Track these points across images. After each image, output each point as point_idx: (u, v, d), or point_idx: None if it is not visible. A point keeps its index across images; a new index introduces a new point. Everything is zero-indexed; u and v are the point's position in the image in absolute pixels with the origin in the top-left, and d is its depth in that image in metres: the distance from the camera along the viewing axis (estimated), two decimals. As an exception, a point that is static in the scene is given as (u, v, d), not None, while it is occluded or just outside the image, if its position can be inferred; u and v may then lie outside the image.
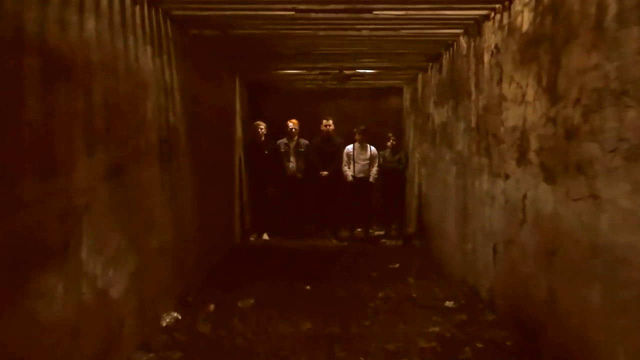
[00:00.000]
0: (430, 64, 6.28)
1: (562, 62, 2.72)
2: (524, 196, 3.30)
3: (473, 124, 4.45)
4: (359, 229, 7.58)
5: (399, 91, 8.92)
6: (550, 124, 2.88)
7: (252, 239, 7.24)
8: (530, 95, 3.17)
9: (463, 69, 4.75)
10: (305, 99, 8.69)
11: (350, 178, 7.20)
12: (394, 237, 7.26)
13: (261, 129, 7.22)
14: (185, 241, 4.43)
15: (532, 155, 3.17)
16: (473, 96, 4.44)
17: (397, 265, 5.68)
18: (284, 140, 7.36)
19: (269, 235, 7.29)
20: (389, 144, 7.29)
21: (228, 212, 6.52)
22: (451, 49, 5.20)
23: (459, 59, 4.90)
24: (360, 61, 6.27)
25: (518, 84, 3.37)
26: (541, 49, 2.97)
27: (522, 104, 3.31)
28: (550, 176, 2.93)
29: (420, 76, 7.13)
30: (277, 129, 7.50)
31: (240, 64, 6.56)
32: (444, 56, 5.52)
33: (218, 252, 5.74)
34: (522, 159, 3.34)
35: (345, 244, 7.02)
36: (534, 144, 3.14)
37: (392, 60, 6.17)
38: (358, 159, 7.22)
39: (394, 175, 7.23)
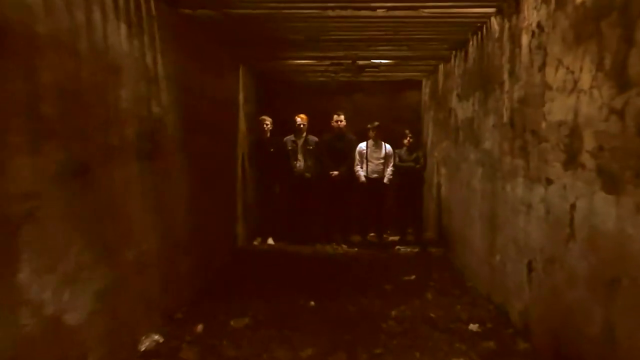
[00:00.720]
0: (454, 52, 5.66)
1: (636, 37, 2.10)
2: (573, 207, 2.69)
3: (505, 118, 3.83)
4: (371, 234, 7.00)
5: (417, 84, 8.29)
6: (615, 117, 2.27)
7: (256, 243, 6.70)
8: (585, 81, 2.56)
9: (494, 55, 4.13)
10: (316, 92, 8.11)
11: (362, 179, 6.60)
12: (410, 243, 6.66)
13: (267, 124, 6.67)
14: (175, 250, 3.90)
15: (585, 157, 2.56)
16: (506, 86, 3.82)
17: (413, 276, 5.09)
18: (292, 137, 6.79)
19: (274, 239, 6.75)
20: (405, 141, 6.66)
21: (229, 214, 5.99)
22: (480, 32, 4.58)
23: (490, 44, 4.28)
24: (375, 49, 5.67)
25: (568, 68, 2.75)
26: (605, 23, 2.36)
27: (573, 93, 2.70)
28: (612, 184, 2.32)
29: (441, 67, 6.50)
30: (285, 125, 6.95)
31: (243, 52, 6.01)
32: (471, 42, 4.90)
33: (216, 260, 5.22)
34: (571, 161, 2.73)
35: (356, 250, 6.44)
36: (589, 143, 2.52)
37: (411, 48, 5.56)
38: (371, 157, 6.61)
39: (410, 175, 6.60)
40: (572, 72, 2.70)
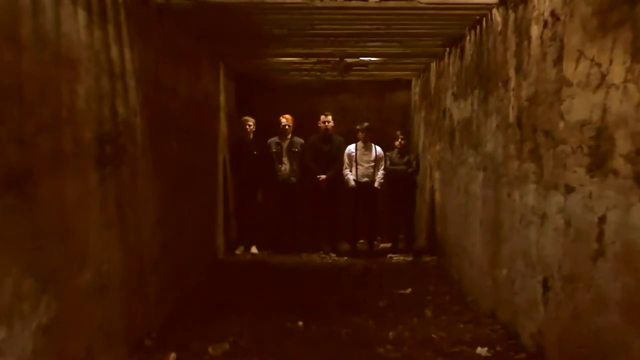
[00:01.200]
0: (448, 49, 5.32)
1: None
2: (602, 219, 2.34)
3: (511, 118, 3.48)
4: (361, 241, 6.63)
5: (406, 84, 7.95)
6: (660, 115, 1.92)
7: (238, 252, 6.27)
8: (617, 75, 2.21)
9: (496, 51, 3.79)
10: (301, 92, 7.71)
11: (352, 183, 6.22)
12: (402, 251, 6.30)
13: (249, 125, 6.25)
14: (142, 268, 3.46)
15: (619, 162, 2.20)
16: (512, 83, 3.47)
17: (408, 290, 4.71)
18: (276, 139, 6.38)
19: (258, 248, 6.32)
20: (397, 143, 6.29)
21: (209, 223, 5.55)
22: (478, 26, 4.23)
23: (490, 38, 3.93)
24: (364, 45, 5.29)
25: (593, 60, 2.40)
26: (644, 4, 2.01)
27: (599, 88, 2.34)
28: (655, 194, 1.96)
29: (433, 65, 6.16)
30: (269, 126, 6.53)
31: (223, 49, 5.59)
32: (468, 37, 4.55)
33: (192, 276, 4.77)
34: (598, 167, 2.37)
35: (346, 259, 6.06)
36: (623, 146, 2.17)
37: (403, 44, 5.20)
38: (361, 160, 6.24)
39: (402, 179, 6.23)
40: (599, 65, 2.35)
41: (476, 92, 4.33)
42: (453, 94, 5.14)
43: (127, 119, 3.23)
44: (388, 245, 6.70)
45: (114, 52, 3.06)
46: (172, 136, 4.13)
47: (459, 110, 4.94)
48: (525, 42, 3.23)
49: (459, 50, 4.91)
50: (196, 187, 4.95)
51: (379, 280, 5.16)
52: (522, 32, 3.28)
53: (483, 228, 4.18)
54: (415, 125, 7.48)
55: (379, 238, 6.80)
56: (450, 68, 5.26)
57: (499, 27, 3.72)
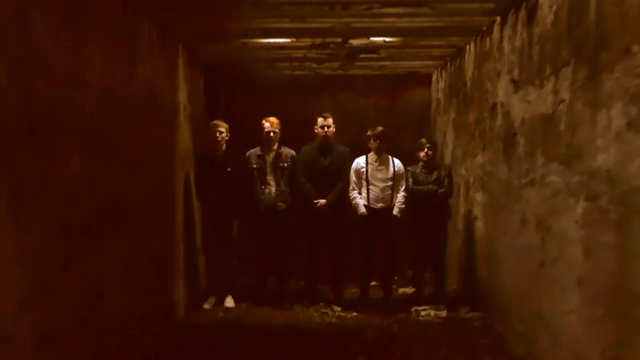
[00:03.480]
0: (498, 18, 3.71)
1: None
2: None
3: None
4: (374, 283, 4.97)
5: (424, 80, 6.37)
6: None
7: (207, 306, 4.57)
8: None
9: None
10: (292, 90, 6.12)
11: (362, 209, 4.53)
12: (430, 300, 4.62)
13: (220, 132, 4.59)
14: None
15: None
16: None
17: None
18: (257, 150, 4.73)
19: (234, 299, 4.65)
20: (422, 155, 4.56)
21: (159, 271, 3.88)
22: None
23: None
24: (379, 13, 3.67)
25: None
26: None
27: None
28: None
29: (470, 47, 4.55)
30: (250, 135, 4.91)
31: (180, 25, 3.96)
32: (546, -12, 2.94)
33: (129, 350, 3.10)
34: None
35: (355, 315, 4.38)
36: None
37: (436, 10, 3.59)
38: (375, 179, 4.55)
39: (430, 204, 4.50)
40: None
41: (567, 71, 2.70)
42: (512, 80, 3.51)
43: None
44: (409, 290, 5.04)
45: None
46: (71, 150, 2.48)
47: (524, 103, 3.32)
48: None
49: (523, 13, 3.29)
50: (132, 223, 3.28)
51: (406, 354, 3.50)
52: None
53: (588, 293, 2.53)
54: (438, 132, 5.86)
55: (395, 278, 5.11)
56: (506, 44, 3.63)
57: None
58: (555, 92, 2.85)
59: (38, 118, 2.18)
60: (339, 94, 6.29)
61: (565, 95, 2.74)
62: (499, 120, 3.79)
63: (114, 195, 2.97)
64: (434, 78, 6.19)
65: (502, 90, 3.74)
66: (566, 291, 2.75)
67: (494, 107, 3.92)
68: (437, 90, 5.99)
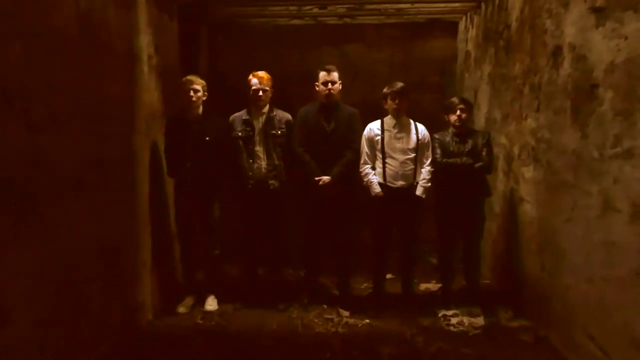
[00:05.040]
0: None
1: None
2: None
3: None
4: (389, 276, 4.08)
5: (448, 29, 5.32)
6: None
7: (182, 310, 3.67)
8: None
9: None
10: (289, 41, 5.10)
11: (377, 189, 3.57)
12: (461, 297, 3.71)
13: (196, 91, 3.59)
14: None
15: None
16: None
17: None
18: (243, 114, 3.74)
19: (217, 298, 3.76)
20: (453, 119, 3.53)
21: (115, 265, 2.97)
22: None
23: None
24: None
25: None
26: None
27: None
28: None
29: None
30: (235, 96, 3.92)
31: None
32: None
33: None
34: None
35: (367, 322, 3.47)
36: None
37: None
38: (393, 150, 3.55)
39: (464, 180, 3.51)
40: None
41: None
42: (594, 9, 2.48)
43: None
44: (432, 285, 4.14)
45: None
46: None
47: (614, 40, 2.30)
48: None
49: None
50: (59, 207, 2.36)
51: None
52: None
53: None
54: (467, 90, 4.84)
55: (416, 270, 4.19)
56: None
57: None
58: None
59: None
60: (344, 45, 5.26)
61: None
62: (566, 68, 2.78)
63: (24, 169, 2.02)
64: (461, 27, 5.13)
65: (572, 26, 2.71)
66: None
67: (557, 52, 2.90)
68: (466, 41, 4.94)
